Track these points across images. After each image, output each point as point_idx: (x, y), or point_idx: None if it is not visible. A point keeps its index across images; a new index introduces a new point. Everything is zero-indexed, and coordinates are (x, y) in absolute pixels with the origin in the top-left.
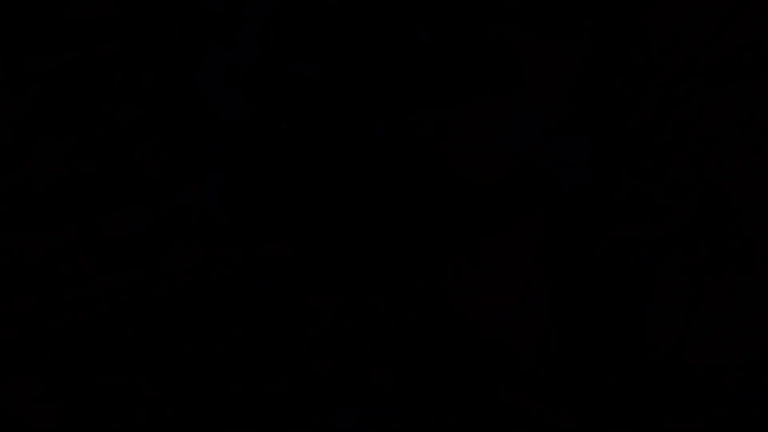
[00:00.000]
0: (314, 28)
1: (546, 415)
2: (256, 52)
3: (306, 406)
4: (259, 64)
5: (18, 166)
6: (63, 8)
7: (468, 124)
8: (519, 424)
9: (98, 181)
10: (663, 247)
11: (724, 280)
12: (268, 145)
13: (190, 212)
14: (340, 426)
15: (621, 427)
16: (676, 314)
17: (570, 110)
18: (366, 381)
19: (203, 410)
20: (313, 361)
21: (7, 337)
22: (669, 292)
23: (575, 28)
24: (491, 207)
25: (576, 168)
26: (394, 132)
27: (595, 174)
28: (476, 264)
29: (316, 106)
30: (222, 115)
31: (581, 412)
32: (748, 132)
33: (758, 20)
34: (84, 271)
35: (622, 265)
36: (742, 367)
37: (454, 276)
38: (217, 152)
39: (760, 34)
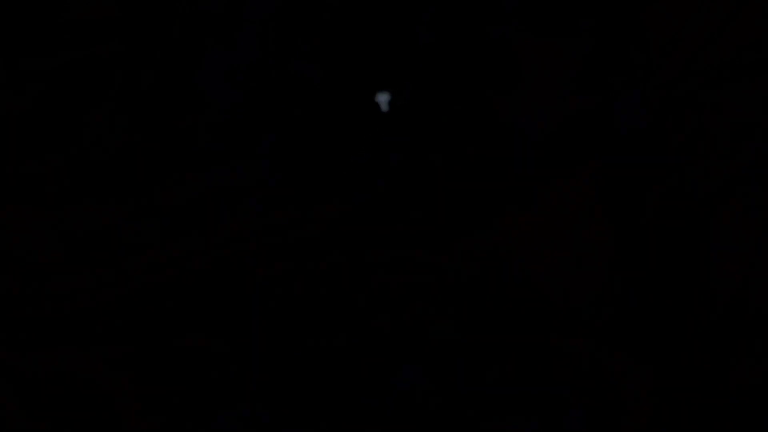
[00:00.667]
0: (314, 28)
1: (609, 362)
2: (256, 52)
3: (369, 362)
4: (259, 64)
5: (76, 137)
6: (63, 8)
7: (519, 71)
8: (581, 373)
9: (152, 152)
10: (723, 190)
11: None
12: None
13: (244, 178)
14: (405, 382)
15: (685, 372)
16: (738, 259)
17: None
18: (427, 336)
19: (269, 368)
20: (374, 317)
21: (79, 307)
22: (730, 236)
23: (575, 28)
24: (547, 156)
25: (631, 112)
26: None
27: (650, 118)
28: (533, 214)
29: (315, 106)
30: (222, 115)
31: (644, 358)
32: None
33: (758, 20)
34: (145, 240)
35: (682, 210)
36: None
37: (511, 226)
38: (268, 120)
39: (760, 34)
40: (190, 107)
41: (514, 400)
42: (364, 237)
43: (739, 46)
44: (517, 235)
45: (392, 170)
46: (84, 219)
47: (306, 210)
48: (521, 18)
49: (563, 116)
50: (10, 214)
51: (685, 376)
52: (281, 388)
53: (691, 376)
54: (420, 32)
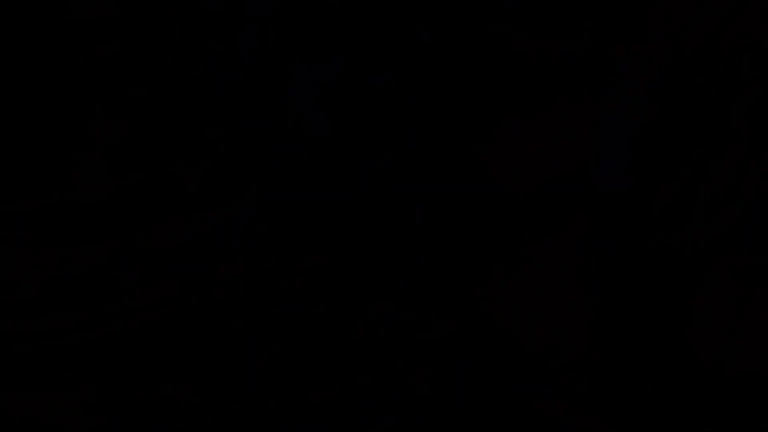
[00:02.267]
0: (314, 27)
1: (588, 426)
2: (256, 52)
3: (345, 416)
4: (259, 65)
5: (57, 181)
6: (63, 8)
7: (507, 133)
8: None
9: (140, 195)
10: (707, 253)
11: None
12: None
13: (227, 226)
14: None
15: None
16: (721, 323)
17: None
18: (404, 391)
19: (246, 421)
20: (351, 371)
21: (55, 350)
22: (714, 300)
23: (575, 28)
24: (530, 215)
25: (614, 173)
26: (426, 141)
27: (634, 179)
28: (515, 273)
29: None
30: (304, 129)
31: (624, 423)
32: None
33: (758, 20)
34: (126, 284)
35: (665, 272)
36: None
37: (493, 285)
38: (255, 166)
39: (760, 34)
40: (179, 148)
41: None
42: (346, 290)
43: (739, 46)
44: (499, 295)
45: (377, 227)
46: (69, 260)
47: (293, 258)
48: (521, 18)
49: (547, 175)
50: None
51: None
52: None
53: None
54: (420, 32)
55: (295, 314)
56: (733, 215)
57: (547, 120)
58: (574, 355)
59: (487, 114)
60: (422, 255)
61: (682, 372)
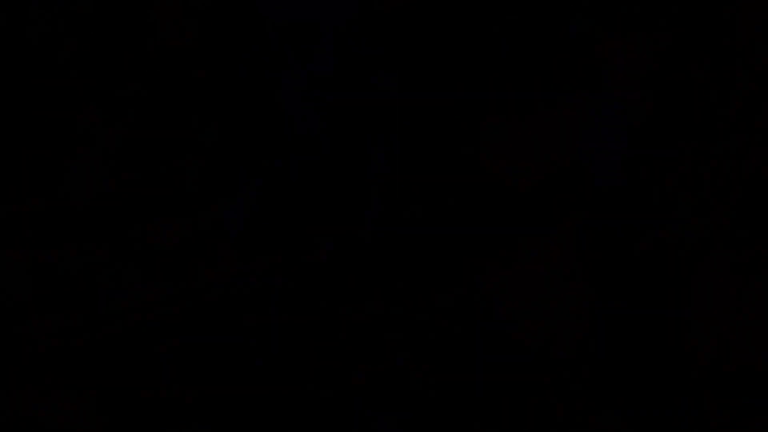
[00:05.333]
0: (389, 36)
1: (588, 418)
2: (333, 66)
3: (345, 414)
4: (337, 77)
5: (51, 182)
6: (148, 36)
7: (502, 132)
8: (560, 428)
9: (135, 195)
10: (705, 246)
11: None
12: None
13: (224, 225)
14: None
15: (664, 428)
16: (719, 315)
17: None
18: (404, 388)
19: (242, 421)
20: (351, 369)
21: (49, 351)
22: (712, 292)
23: (655, 23)
24: (528, 210)
25: (608, 167)
26: (426, 140)
27: (628, 173)
28: (514, 268)
29: (391, 119)
30: (299, 130)
31: (623, 413)
32: None
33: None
34: (122, 284)
35: (663, 265)
36: None
37: (492, 281)
38: (250, 167)
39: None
40: (173, 148)
41: None
42: (343, 288)
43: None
44: (496, 290)
45: (373, 222)
46: (65, 261)
47: (284, 259)
48: (599, 14)
49: (542, 170)
50: None
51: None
52: None
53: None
54: (498, 35)
55: (291, 314)
56: (728, 209)
57: (542, 117)
58: (572, 347)
59: (481, 114)
60: (419, 252)
61: (680, 362)
